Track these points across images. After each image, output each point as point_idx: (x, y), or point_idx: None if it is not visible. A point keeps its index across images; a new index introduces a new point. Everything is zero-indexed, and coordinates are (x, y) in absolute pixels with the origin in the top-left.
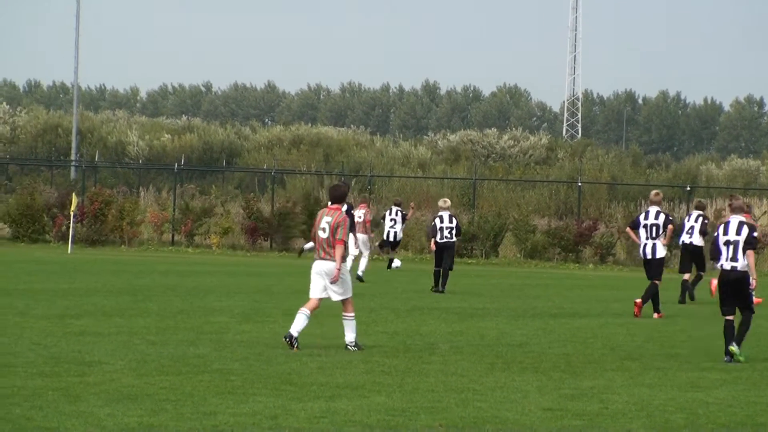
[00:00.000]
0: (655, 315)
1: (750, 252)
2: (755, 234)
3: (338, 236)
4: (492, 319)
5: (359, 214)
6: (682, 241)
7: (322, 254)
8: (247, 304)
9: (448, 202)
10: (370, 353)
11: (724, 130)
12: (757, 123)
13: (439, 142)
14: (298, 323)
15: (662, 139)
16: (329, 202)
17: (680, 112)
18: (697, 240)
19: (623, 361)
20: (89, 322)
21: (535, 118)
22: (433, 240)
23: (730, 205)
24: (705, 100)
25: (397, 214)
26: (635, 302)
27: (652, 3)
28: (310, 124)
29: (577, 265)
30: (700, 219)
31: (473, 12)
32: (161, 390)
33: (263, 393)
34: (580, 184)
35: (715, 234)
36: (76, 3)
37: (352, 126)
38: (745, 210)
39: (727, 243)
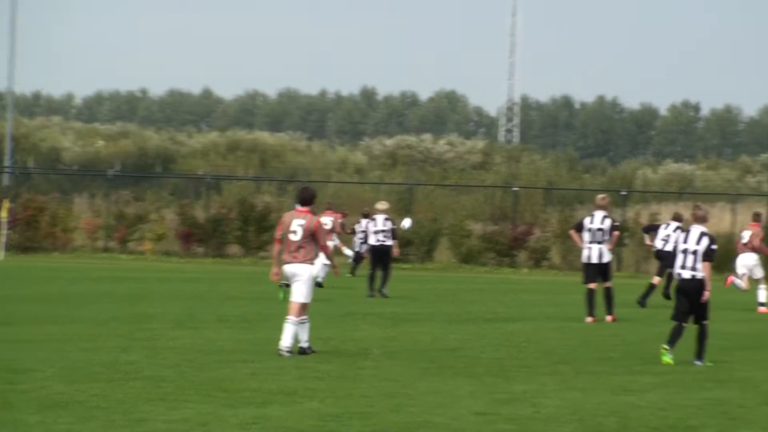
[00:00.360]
0: (589, 319)
1: (706, 264)
2: (714, 246)
3: (322, 242)
4: (426, 324)
5: (326, 221)
6: (657, 249)
7: (291, 257)
8: (180, 310)
9: (385, 205)
10: (303, 359)
11: (660, 134)
12: (692, 128)
13: (375, 148)
14: (302, 333)
15: (598, 144)
16: (297, 205)
17: (617, 116)
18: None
19: (556, 366)
20: (21, 330)
21: (472, 123)
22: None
23: (693, 215)
24: (641, 104)
25: (367, 226)
26: (608, 319)
27: (590, 8)
28: (246, 130)
29: (511, 269)
30: (679, 230)
31: (410, 16)
32: (92, 397)
33: (195, 400)
34: (515, 188)
35: (674, 242)
36: (10, 8)
37: (288, 131)
38: (707, 220)
39: (685, 251)
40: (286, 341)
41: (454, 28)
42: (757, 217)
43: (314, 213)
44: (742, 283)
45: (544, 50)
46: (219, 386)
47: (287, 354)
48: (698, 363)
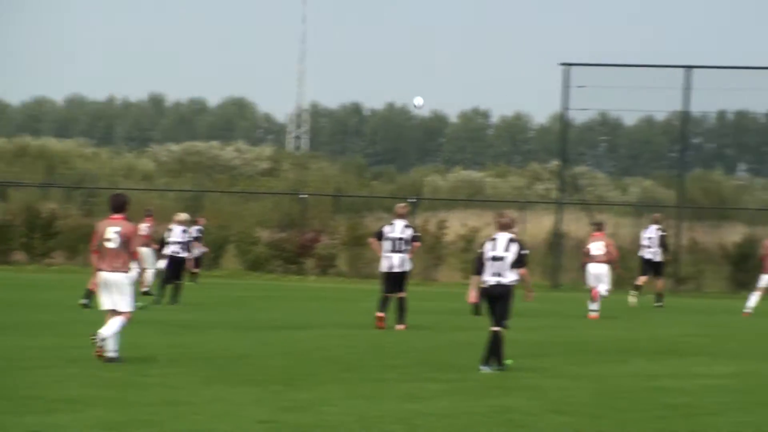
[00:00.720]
0: (400, 326)
1: (522, 270)
2: (525, 251)
3: (133, 248)
4: (212, 332)
5: (144, 227)
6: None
7: (108, 266)
8: None
9: (184, 216)
10: (89, 366)
11: (449, 141)
12: (482, 134)
13: (162, 154)
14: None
15: (388, 151)
16: (111, 212)
17: (406, 123)
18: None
19: (342, 373)
20: None
21: (261, 130)
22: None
23: (498, 223)
24: (432, 111)
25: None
26: (399, 328)
27: (379, 13)
28: (33, 136)
29: (299, 276)
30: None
31: (199, 22)
32: None
33: None
34: (303, 195)
35: (481, 249)
36: None
37: (76, 138)
38: (513, 227)
39: (494, 258)
40: (106, 330)
41: (244, 34)
42: (599, 227)
43: (129, 219)
44: (603, 290)
45: (334, 57)
46: (2, 394)
47: (100, 342)
48: (485, 369)
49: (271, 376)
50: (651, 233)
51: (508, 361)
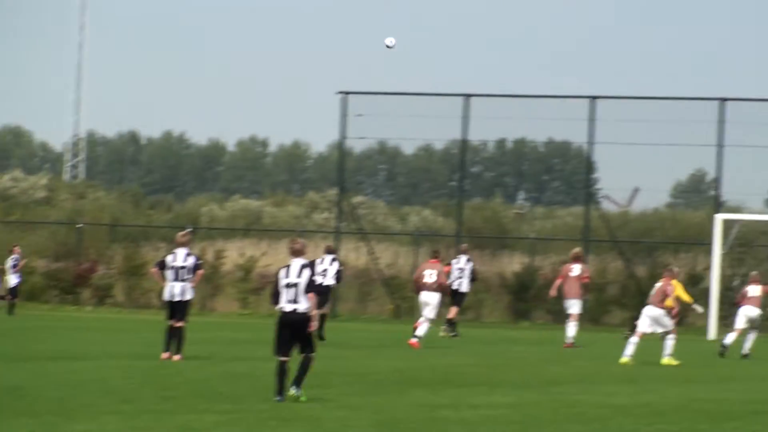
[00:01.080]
0: (176, 357)
1: (311, 295)
2: (315, 278)
3: None
4: None
5: None
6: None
7: None
8: None
9: None
10: None
11: (228, 170)
12: (260, 163)
13: None
14: None
15: (165, 180)
16: None
17: (184, 152)
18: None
19: (119, 404)
20: None
21: (37, 158)
22: None
23: (290, 249)
24: (210, 140)
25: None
26: (175, 359)
27: (156, 42)
28: None
29: (75, 306)
30: (335, 263)
31: None
32: None
33: None
34: (79, 225)
35: (276, 277)
36: None
37: None
38: (305, 253)
39: (288, 285)
40: None
41: (18, 60)
42: (436, 254)
43: None
44: (430, 315)
45: (111, 85)
46: None
47: None
48: (295, 391)
49: (46, 408)
50: (461, 264)
51: (303, 398)
